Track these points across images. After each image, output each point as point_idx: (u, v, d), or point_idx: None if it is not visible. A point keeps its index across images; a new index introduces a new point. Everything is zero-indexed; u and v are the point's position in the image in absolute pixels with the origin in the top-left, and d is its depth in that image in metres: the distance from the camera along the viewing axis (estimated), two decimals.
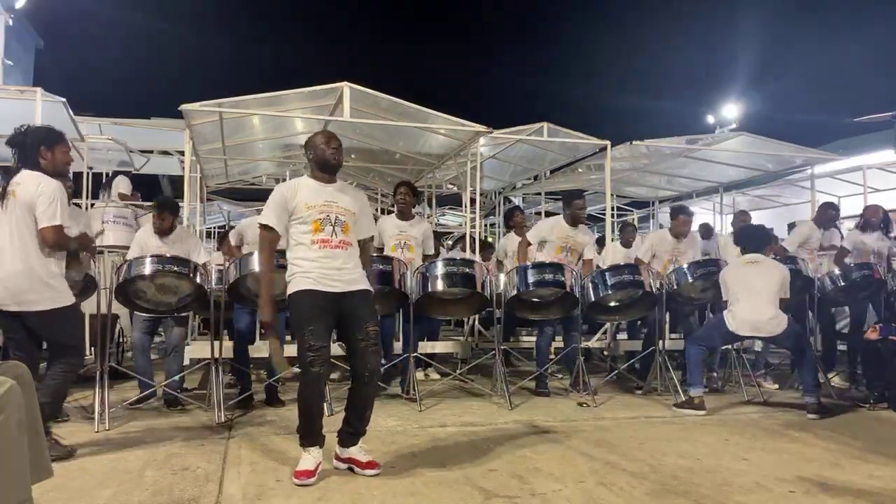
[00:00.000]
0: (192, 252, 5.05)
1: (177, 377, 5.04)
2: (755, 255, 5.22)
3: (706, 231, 9.35)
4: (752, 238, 5.37)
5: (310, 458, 3.31)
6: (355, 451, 3.44)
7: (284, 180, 10.62)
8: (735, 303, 5.07)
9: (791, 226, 8.14)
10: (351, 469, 3.41)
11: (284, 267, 4.96)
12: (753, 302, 4.98)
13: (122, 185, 8.37)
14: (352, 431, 3.45)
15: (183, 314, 5.15)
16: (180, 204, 7.63)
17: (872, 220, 6.49)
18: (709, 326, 5.45)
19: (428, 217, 11.00)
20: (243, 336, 5.22)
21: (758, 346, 6.44)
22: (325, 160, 3.49)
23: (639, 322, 6.93)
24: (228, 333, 5.84)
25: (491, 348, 6.04)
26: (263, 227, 3.44)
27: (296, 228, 3.43)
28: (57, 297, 3.52)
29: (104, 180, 8.69)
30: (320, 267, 3.37)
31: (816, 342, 6.27)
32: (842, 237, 6.95)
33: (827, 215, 6.75)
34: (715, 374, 6.05)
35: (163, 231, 5.07)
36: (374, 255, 5.42)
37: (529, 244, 5.88)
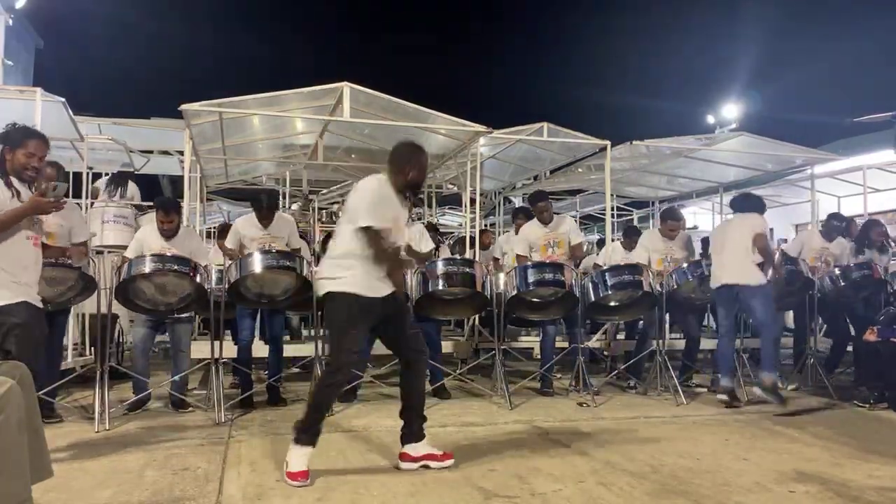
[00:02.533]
0: (195, 253, 5.02)
1: (177, 377, 5.04)
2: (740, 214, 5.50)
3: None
4: (745, 202, 5.57)
5: (304, 459, 3.25)
6: (427, 447, 3.47)
7: (284, 180, 10.69)
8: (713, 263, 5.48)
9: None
10: (426, 466, 3.41)
11: (285, 268, 4.98)
12: (726, 252, 5.33)
13: (134, 191, 8.34)
14: (419, 420, 3.50)
15: (187, 314, 5.11)
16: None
17: (876, 240, 6.44)
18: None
19: (429, 216, 11.00)
20: (247, 343, 5.23)
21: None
22: (416, 183, 3.57)
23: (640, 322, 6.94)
24: (232, 334, 5.86)
25: (491, 348, 6.04)
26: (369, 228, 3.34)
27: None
28: None
29: (104, 178, 8.68)
30: (369, 270, 3.37)
31: (816, 342, 6.26)
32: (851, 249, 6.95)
33: (830, 226, 6.64)
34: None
35: (170, 233, 4.99)
36: None
37: (525, 257, 5.93)
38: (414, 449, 3.46)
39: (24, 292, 3.39)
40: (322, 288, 3.46)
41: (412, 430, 3.49)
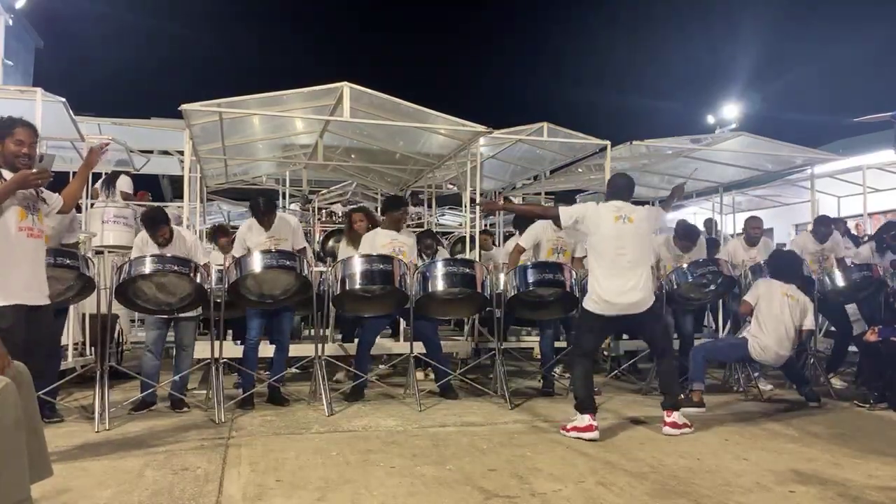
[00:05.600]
0: (192, 253, 5.03)
1: (177, 377, 5.04)
2: (793, 289, 5.34)
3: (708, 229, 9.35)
4: (786, 270, 5.49)
5: (582, 419, 4.18)
6: (676, 416, 4.31)
7: (284, 180, 10.68)
8: (761, 333, 5.23)
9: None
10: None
11: (284, 267, 4.99)
12: (780, 338, 5.19)
13: (124, 184, 8.40)
14: (666, 393, 4.44)
15: (193, 312, 5.10)
16: (179, 205, 7.65)
17: (892, 243, 6.42)
18: (728, 346, 5.60)
19: (428, 217, 11.00)
20: (254, 343, 5.23)
21: None
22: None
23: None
24: (234, 334, 5.86)
25: (491, 348, 6.04)
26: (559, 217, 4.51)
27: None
28: None
29: (102, 178, 8.70)
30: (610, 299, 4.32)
31: (816, 342, 6.26)
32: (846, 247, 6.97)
33: (819, 231, 6.73)
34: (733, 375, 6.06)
35: (165, 242, 4.98)
36: (374, 254, 5.43)
37: (524, 249, 5.94)
38: (667, 416, 4.32)
39: (15, 294, 3.31)
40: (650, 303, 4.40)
41: (664, 401, 4.41)
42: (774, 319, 5.19)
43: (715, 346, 5.71)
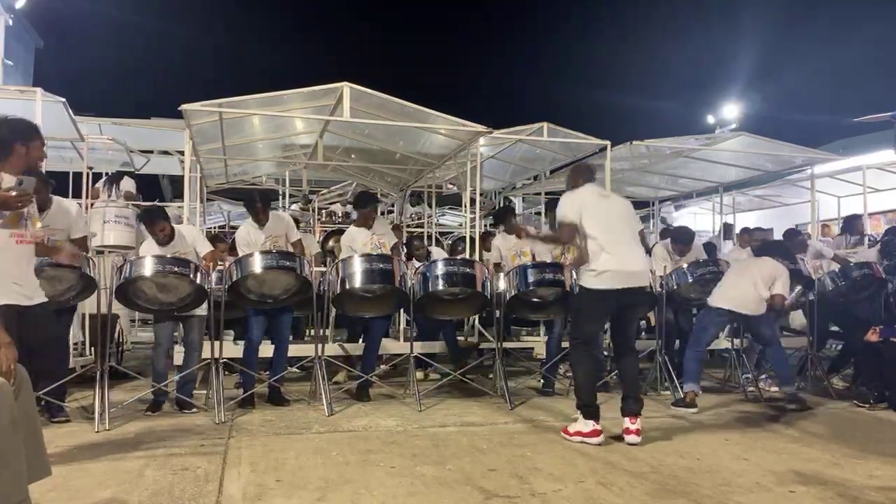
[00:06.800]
0: (196, 246, 5.10)
1: (177, 378, 5.05)
2: (763, 257, 5.51)
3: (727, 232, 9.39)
4: (768, 248, 5.74)
5: (587, 424, 4.09)
6: (640, 423, 4.12)
7: (284, 180, 10.69)
8: (721, 285, 5.47)
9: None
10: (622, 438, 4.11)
11: (284, 268, 4.99)
12: (741, 284, 5.33)
13: (128, 185, 8.42)
14: (631, 397, 4.18)
15: (201, 311, 5.08)
16: (180, 205, 7.65)
17: None
18: (700, 326, 5.61)
19: (428, 217, 11.00)
20: (255, 343, 5.23)
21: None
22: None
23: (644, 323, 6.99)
24: (235, 334, 5.86)
25: (491, 348, 6.03)
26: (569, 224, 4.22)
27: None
28: None
29: (104, 178, 8.70)
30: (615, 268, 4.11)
31: (815, 343, 6.25)
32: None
33: (796, 242, 6.74)
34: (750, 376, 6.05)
35: (167, 239, 5.00)
36: (373, 254, 5.43)
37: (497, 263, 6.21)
38: (625, 423, 4.12)
39: (6, 294, 3.26)
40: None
41: (624, 405, 4.19)
42: (739, 270, 5.48)
43: (695, 336, 5.59)
